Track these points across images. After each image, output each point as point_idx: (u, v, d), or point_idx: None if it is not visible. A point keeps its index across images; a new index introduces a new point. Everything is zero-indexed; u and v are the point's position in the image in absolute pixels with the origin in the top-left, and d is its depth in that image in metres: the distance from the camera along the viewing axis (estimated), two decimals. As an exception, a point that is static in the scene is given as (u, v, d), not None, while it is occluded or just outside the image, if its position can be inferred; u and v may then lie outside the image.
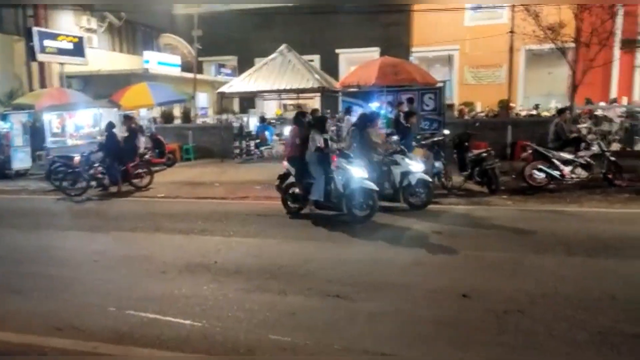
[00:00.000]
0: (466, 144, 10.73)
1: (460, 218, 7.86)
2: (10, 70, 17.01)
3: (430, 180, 8.39)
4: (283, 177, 8.68)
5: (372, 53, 20.65)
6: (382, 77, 12.45)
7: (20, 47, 17.20)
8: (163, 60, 19.98)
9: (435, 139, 10.03)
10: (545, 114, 15.93)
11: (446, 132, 10.94)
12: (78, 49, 17.85)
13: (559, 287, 4.74)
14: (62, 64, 17.80)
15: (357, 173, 7.62)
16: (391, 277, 5.19)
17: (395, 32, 21.31)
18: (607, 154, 9.71)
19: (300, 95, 17.33)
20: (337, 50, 22.07)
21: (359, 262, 5.71)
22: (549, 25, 10.79)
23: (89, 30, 19.45)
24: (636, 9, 17.04)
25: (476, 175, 9.64)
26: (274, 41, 16.68)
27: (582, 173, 9.61)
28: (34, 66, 17.53)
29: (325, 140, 7.93)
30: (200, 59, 22.72)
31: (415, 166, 8.23)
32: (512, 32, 13.16)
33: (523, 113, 17.44)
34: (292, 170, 8.25)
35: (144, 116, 17.21)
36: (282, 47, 15.22)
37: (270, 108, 20.96)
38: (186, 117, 18.08)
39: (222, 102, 16.70)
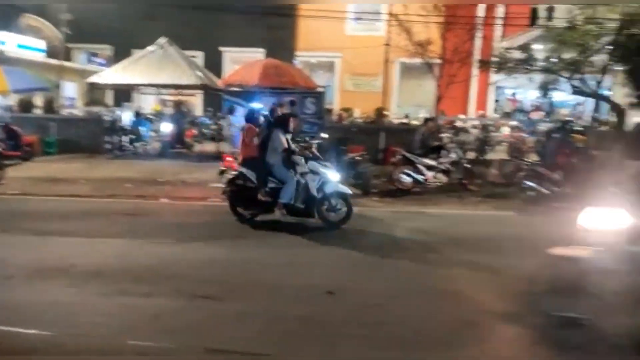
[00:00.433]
0: (343, 147, 11.24)
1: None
2: None
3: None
4: (233, 181, 7.60)
5: (257, 54, 20.61)
6: (265, 78, 12.50)
7: None
8: (25, 44, 17.92)
9: (314, 142, 10.28)
10: (414, 122, 17.19)
11: (324, 135, 11.31)
12: None
13: (415, 281, 5.16)
14: None
15: (332, 177, 7.29)
16: (262, 277, 5.23)
17: (280, 35, 21.49)
18: (463, 161, 10.77)
19: (181, 91, 16.72)
20: (221, 49, 21.66)
21: (230, 263, 5.67)
22: (418, 42, 11.71)
23: None
24: (492, 34, 19.18)
25: (351, 177, 10.09)
26: (155, 33, 15.84)
27: (442, 178, 10.55)
28: None
29: (288, 141, 7.32)
30: (70, 45, 20.78)
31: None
32: (387, 44, 13.98)
33: (396, 121, 18.63)
34: (250, 174, 7.42)
35: (1, 104, 15.30)
36: (163, 40, 14.53)
37: (149, 103, 19.90)
38: (49, 107, 16.42)
39: (93, 93, 15.47)
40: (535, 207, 8.86)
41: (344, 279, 5.19)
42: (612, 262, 3.82)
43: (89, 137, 14.63)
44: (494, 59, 12.90)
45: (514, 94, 22.77)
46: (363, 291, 4.83)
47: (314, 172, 7.26)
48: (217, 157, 13.58)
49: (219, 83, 14.11)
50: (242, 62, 16.52)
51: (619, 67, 10.98)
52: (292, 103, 12.74)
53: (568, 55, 11.11)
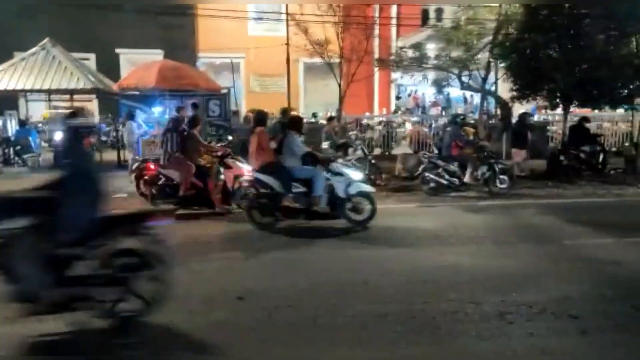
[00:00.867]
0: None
1: (239, 222, 8.02)
2: None
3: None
4: (249, 189, 7.45)
5: (156, 55, 19.73)
6: (162, 80, 12.02)
7: None
8: None
9: (220, 144, 10.09)
10: (322, 122, 17.49)
11: (230, 137, 11.14)
12: None
13: (325, 278, 5.23)
14: None
15: (356, 176, 7.20)
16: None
17: (179, 35, 20.78)
18: (369, 157, 11.12)
19: (75, 97, 15.55)
20: (117, 50, 20.51)
21: (134, 276, 5.37)
22: (316, 41, 11.93)
23: None
24: (389, 34, 20.04)
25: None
26: (39, 33, 14.59)
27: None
28: None
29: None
30: None
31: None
32: (287, 44, 14.08)
33: (304, 120, 18.81)
34: (271, 181, 7.04)
35: None
36: (45, 40, 13.43)
37: (38, 110, 18.32)
38: None
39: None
40: (436, 197, 9.42)
41: (253, 282, 5.14)
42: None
43: (-34, 151, 13.19)
44: (390, 57, 13.51)
45: (415, 91, 24.01)
46: (274, 293, 4.81)
47: (337, 174, 7.09)
48: (120, 165, 12.86)
49: (114, 87, 13.32)
50: (140, 64, 15.71)
51: (500, 64, 11.95)
52: (194, 105, 12.37)
53: (455, 53, 11.90)
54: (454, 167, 9.44)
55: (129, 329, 3.98)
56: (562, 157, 11.19)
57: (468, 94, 19.64)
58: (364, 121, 16.31)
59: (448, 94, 23.12)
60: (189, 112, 11.57)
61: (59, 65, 12.86)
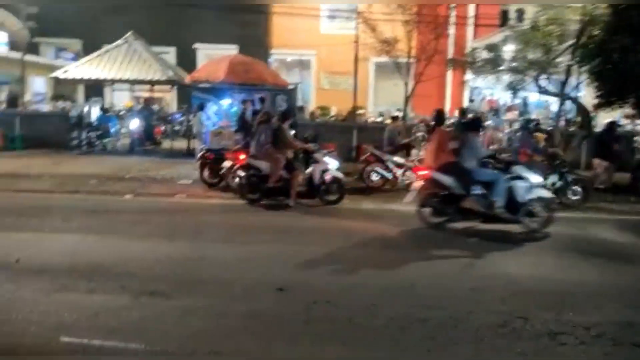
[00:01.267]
0: (313, 144, 11.16)
1: (297, 215, 8.10)
2: None
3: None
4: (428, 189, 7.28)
5: (231, 50, 20.33)
6: (231, 74, 12.36)
7: None
8: (-17, 36, 17.43)
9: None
10: (388, 121, 17.24)
11: (292, 132, 11.20)
12: None
13: (369, 277, 5.12)
14: None
15: (536, 180, 7.07)
16: (214, 273, 5.13)
17: (254, 32, 21.33)
18: (432, 159, 10.78)
19: (155, 87, 16.43)
20: (195, 45, 21.40)
21: (185, 259, 5.55)
22: (386, 40, 11.72)
23: None
24: (464, 33, 19.37)
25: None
26: (126, 28, 15.53)
27: (411, 176, 10.54)
28: None
29: None
30: (37, 39, 20.30)
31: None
32: (356, 42, 13.97)
33: (371, 119, 18.66)
34: (451, 181, 6.90)
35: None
36: (129, 34, 14.27)
37: (122, 99, 19.55)
38: (12, 102, 15.98)
39: (60, 88, 15.10)
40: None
41: (296, 275, 5.13)
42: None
43: (56, 133, 14.30)
44: (462, 58, 13.03)
45: (491, 94, 23.04)
46: (314, 287, 4.77)
47: (518, 177, 6.94)
48: (188, 154, 13.44)
49: (187, 79, 13.90)
50: (213, 58, 16.31)
51: (583, 68, 11.13)
52: (261, 100, 12.63)
53: (533, 55, 11.25)
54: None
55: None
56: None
57: (551, 99, 18.54)
58: (432, 122, 15.86)
59: (526, 99, 21.98)
60: (256, 106, 11.86)
61: (140, 57, 13.60)
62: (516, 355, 3.65)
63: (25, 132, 14.55)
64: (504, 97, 22.62)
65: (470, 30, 20.36)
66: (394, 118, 11.42)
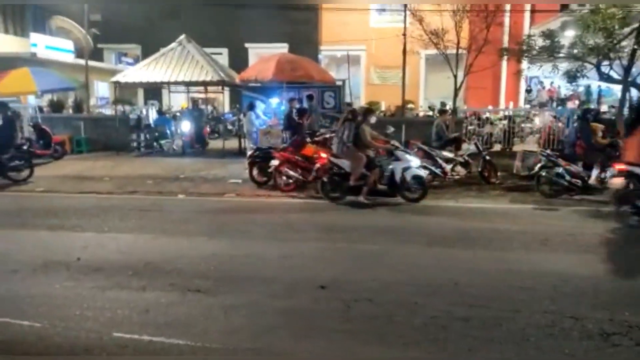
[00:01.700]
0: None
1: (343, 212, 8.13)
2: None
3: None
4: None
5: (281, 49, 20.60)
6: (279, 72, 12.53)
7: None
8: (53, 45, 18.57)
9: (327, 135, 10.25)
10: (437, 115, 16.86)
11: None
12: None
13: (411, 275, 5.06)
14: None
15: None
16: (258, 270, 5.25)
17: (303, 29, 21.52)
18: (483, 153, 10.46)
19: (209, 88, 16.92)
20: (246, 45, 21.84)
21: (231, 257, 5.72)
22: (433, 31, 11.44)
23: (-34, 8, 17.68)
24: (521, 21, 18.58)
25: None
26: (181, 31, 16.10)
27: (461, 170, 10.29)
28: None
29: None
30: (100, 46, 21.51)
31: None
32: (404, 35, 13.73)
33: (421, 114, 18.33)
34: None
35: (32, 104, 15.95)
36: (182, 37, 14.77)
37: (178, 100, 20.31)
38: (78, 106, 16.99)
39: (119, 92, 15.89)
40: (555, 199, 8.57)
41: (338, 272, 5.15)
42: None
43: (117, 136, 15.05)
44: (517, 46, 12.49)
45: (551, 83, 21.99)
46: (356, 285, 4.77)
47: None
48: (240, 153, 13.78)
49: (237, 79, 14.22)
50: (262, 57, 16.56)
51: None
52: (309, 97, 12.74)
53: (593, 40, 10.61)
54: (577, 167, 8.48)
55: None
56: None
57: (615, 86, 17.44)
58: (486, 115, 15.39)
59: (589, 87, 20.80)
60: (303, 104, 11.97)
61: (192, 59, 14.05)
62: (564, 356, 3.51)
63: (90, 135, 15.45)
64: (564, 86, 21.55)
65: (527, 17, 19.53)
66: (442, 112, 11.14)
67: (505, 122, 14.53)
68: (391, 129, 9.91)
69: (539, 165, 8.91)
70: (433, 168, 10.08)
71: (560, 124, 13.92)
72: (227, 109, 21.03)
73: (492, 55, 12.70)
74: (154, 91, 20.14)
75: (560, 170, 8.54)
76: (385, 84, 22.20)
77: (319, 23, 21.98)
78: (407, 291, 4.63)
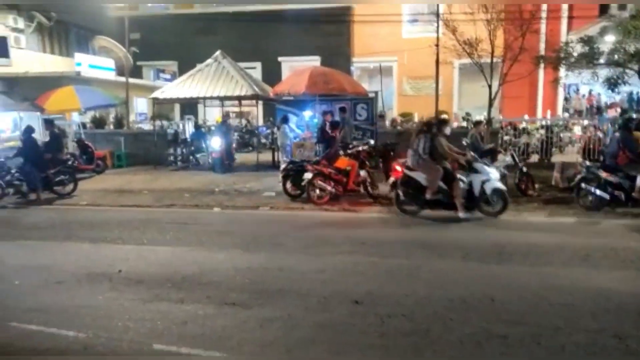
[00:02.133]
0: (392, 153, 11.10)
1: (373, 225, 8.10)
2: None
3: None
4: None
5: (314, 62, 20.89)
6: (312, 86, 12.66)
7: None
8: (95, 64, 19.40)
9: (360, 148, 10.26)
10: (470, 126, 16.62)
11: (371, 141, 11.24)
12: (1, 49, 17.04)
13: (447, 290, 5.00)
14: (-18, 65, 16.94)
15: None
16: (293, 284, 5.29)
17: (335, 42, 21.72)
18: (520, 164, 10.24)
19: (243, 102, 17.26)
20: (279, 59, 22.19)
21: (265, 270, 5.79)
22: (466, 41, 11.34)
23: (15, 29, 18.64)
24: (558, 27, 18.20)
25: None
26: (215, 47, 16.54)
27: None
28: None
29: None
30: (139, 63, 22.27)
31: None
32: (437, 45, 13.67)
33: (455, 124, 18.10)
34: None
35: (76, 121, 16.65)
36: (217, 53, 15.14)
37: (213, 115, 20.77)
38: (118, 122, 17.63)
39: (157, 107, 16.40)
40: (597, 212, 8.31)
41: (373, 287, 5.14)
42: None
43: (155, 150, 15.51)
44: (554, 54, 12.24)
45: (590, 91, 21.39)
46: (390, 300, 4.76)
47: None
48: (274, 166, 13.93)
49: (271, 93, 14.45)
50: (295, 70, 16.79)
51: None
52: (342, 110, 12.82)
53: (634, 46, 10.31)
54: (619, 178, 8.19)
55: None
56: None
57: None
58: (522, 124, 15.08)
59: (631, 94, 20.14)
60: (335, 117, 12.05)
61: (227, 74, 14.37)
62: (606, 378, 3.40)
63: (129, 150, 15.98)
64: (604, 93, 20.90)
65: (564, 24, 19.12)
66: (477, 123, 10.99)
67: (542, 131, 14.18)
68: (467, 141, 9.80)
69: (579, 176, 8.65)
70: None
71: (600, 134, 13.49)
72: (261, 122, 21.38)
73: (528, 64, 12.47)
74: (190, 106, 20.68)
75: (601, 181, 8.27)
76: (418, 94, 22.09)
77: (350, 35, 22.15)
78: (443, 306, 4.58)
